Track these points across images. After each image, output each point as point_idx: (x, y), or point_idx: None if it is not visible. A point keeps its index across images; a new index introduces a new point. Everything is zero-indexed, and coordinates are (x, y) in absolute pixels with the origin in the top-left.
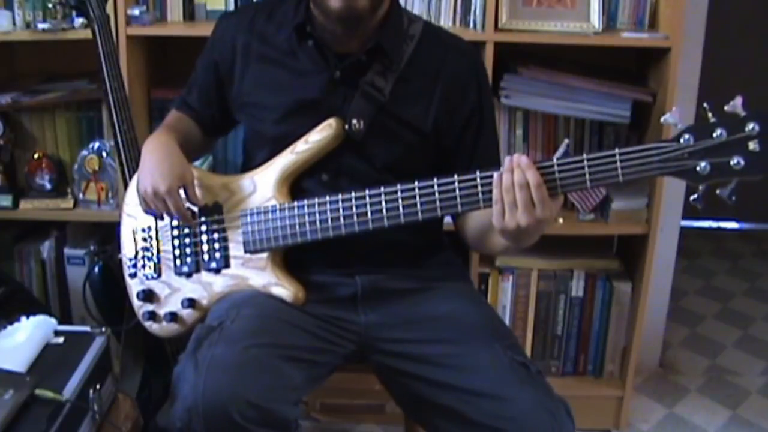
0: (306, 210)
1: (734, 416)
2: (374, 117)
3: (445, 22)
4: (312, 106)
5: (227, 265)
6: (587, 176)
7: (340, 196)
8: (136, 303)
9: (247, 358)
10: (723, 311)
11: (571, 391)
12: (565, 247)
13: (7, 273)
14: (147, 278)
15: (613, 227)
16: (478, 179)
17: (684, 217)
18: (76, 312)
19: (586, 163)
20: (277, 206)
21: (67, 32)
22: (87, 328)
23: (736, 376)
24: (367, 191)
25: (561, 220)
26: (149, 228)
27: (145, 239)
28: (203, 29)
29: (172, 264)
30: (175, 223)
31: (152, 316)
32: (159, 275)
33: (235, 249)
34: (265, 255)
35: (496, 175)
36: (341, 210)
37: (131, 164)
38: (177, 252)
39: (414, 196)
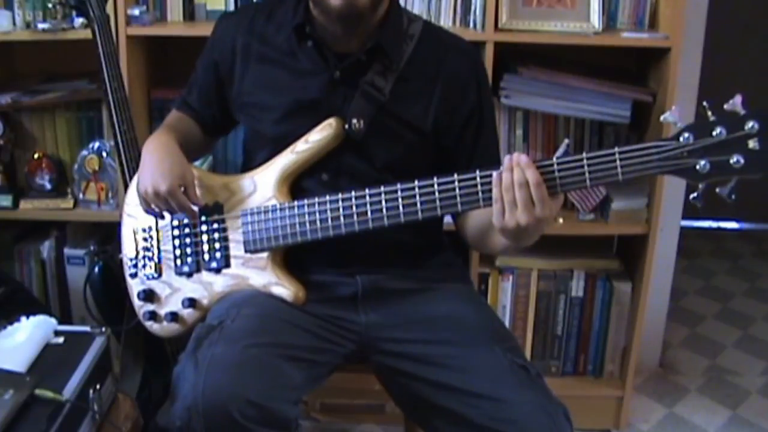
0: (306, 209)
1: (734, 416)
2: (374, 117)
3: (445, 22)
4: (312, 106)
5: (228, 265)
6: (587, 175)
7: (340, 196)
8: (136, 303)
9: (248, 357)
10: (723, 311)
11: (571, 391)
12: (565, 247)
13: (7, 273)
14: (148, 278)
15: (613, 227)
16: (478, 178)
17: (684, 217)
18: (76, 312)
19: (585, 162)
20: (278, 206)
21: (67, 32)
22: (87, 328)
23: (736, 376)
24: (367, 191)
25: (561, 220)
26: (150, 228)
27: (145, 239)
28: (203, 29)
29: (172, 264)
30: (175, 222)
31: (153, 315)
32: (159, 275)
33: (236, 249)
34: (265, 254)
35: (495, 174)
36: (341, 209)
37: (131, 164)
38: (177, 252)
39: (414, 196)
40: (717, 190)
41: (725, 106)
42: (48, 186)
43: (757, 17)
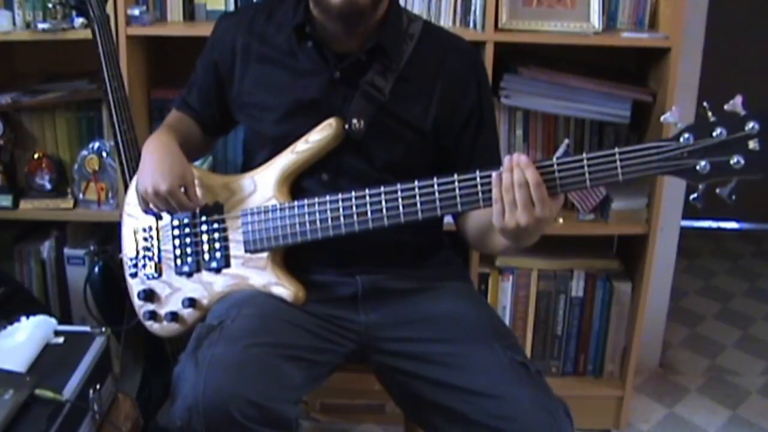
0: (306, 210)
1: (734, 416)
2: (374, 117)
3: (445, 22)
4: (312, 106)
5: (228, 265)
6: (587, 175)
7: (340, 196)
8: (137, 302)
9: (248, 357)
10: (723, 311)
11: (571, 391)
12: (565, 247)
13: (7, 273)
14: (148, 278)
15: (613, 227)
16: (478, 179)
17: (684, 217)
18: (76, 312)
19: (585, 162)
20: (278, 206)
21: (67, 32)
22: (87, 328)
23: (736, 376)
24: (367, 191)
25: (561, 220)
26: (150, 228)
27: (146, 239)
28: (203, 29)
29: (172, 264)
30: (175, 222)
31: (153, 315)
32: (160, 275)
33: (236, 248)
34: (265, 254)
35: (495, 174)
36: (341, 209)
37: (131, 164)
38: (178, 252)
39: (414, 196)
40: (717, 191)
41: (725, 107)
42: (48, 186)
43: (757, 17)
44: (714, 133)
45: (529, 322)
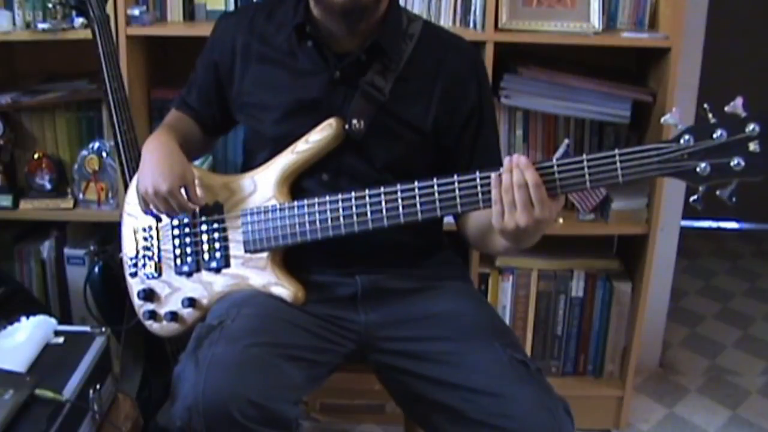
0: (306, 210)
1: (734, 416)
2: (374, 117)
3: (445, 22)
4: (312, 106)
5: (227, 265)
6: (587, 177)
7: (339, 196)
8: (136, 302)
9: (248, 357)
10: (723, 311)
11: (571, 391)
12: (565, 247)
13: (7, 273)
14: (147, 277)
15: (613, 227)
16: (478, 179)
17: (684, 217)
18: (76, 312)
19: (585, 163)
20: (277, 206)
21: (67, 32)
22: (87, 328)
23: (736, 376)
24: (366, 191)
25: (561, 220)
26: (150, 227)
27: (145, 238)
28: (203, 29)
29: (172, 263)
30: (175, 222)
31: (153, 315)
32: (159, 274)
33: (236, 248)
34: (265, 254)
35: (494, 175)
36: (341, 210)
37: (131, 164)
38: (177, 251)
39: (414, 197)
40: (717, 192)
41: (726, 108)
42: (48, 186)
43: (757, 17)
44: (714, 135)
45: (529, 322)
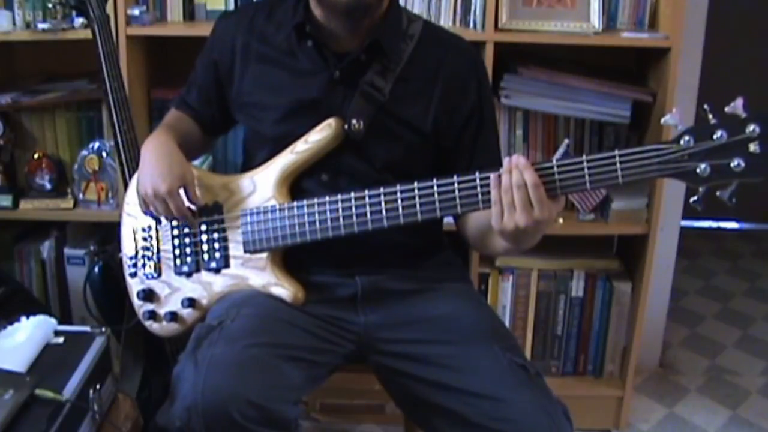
0: (305, 210)
1: (734, 416)
2: (374, 117)
3: (445, 22)
4: (311, 106)
5: (227, 265)
6: (587, 178)
7: (339, 197)
8: (136, 302)
9: (247, 357)
10: (723, 311)
11: (571, 391)
12: (565, 247)
13: (7, 273)
14: (147, 277)
15: (613, 227)
16: (477, 180)
17: (684, 217)
18: (76, 312)
19: (585, 164)
20: (277, 206)
21: (67, 32)
22: (87, 328)
23: (736, 376)
24: (366, 192)
25: (561, 220)
26: (149, 227)
27: (145, 239)
28: (203, 29)
29: (172, 263)
30: (175, 222)
31: (152, 315)
32: (159, 275)
33: (235, 249)
34: (264, 255)
35: (493, 175)
36: (341, 210)
37: (131, 164)
38: (177, 251)
39: (413, 197)
40: (717, 193)
41: (726, 109)
42: (48, 186)
43: (757, 17)
44: (714, 136)
45: (529, 322)
